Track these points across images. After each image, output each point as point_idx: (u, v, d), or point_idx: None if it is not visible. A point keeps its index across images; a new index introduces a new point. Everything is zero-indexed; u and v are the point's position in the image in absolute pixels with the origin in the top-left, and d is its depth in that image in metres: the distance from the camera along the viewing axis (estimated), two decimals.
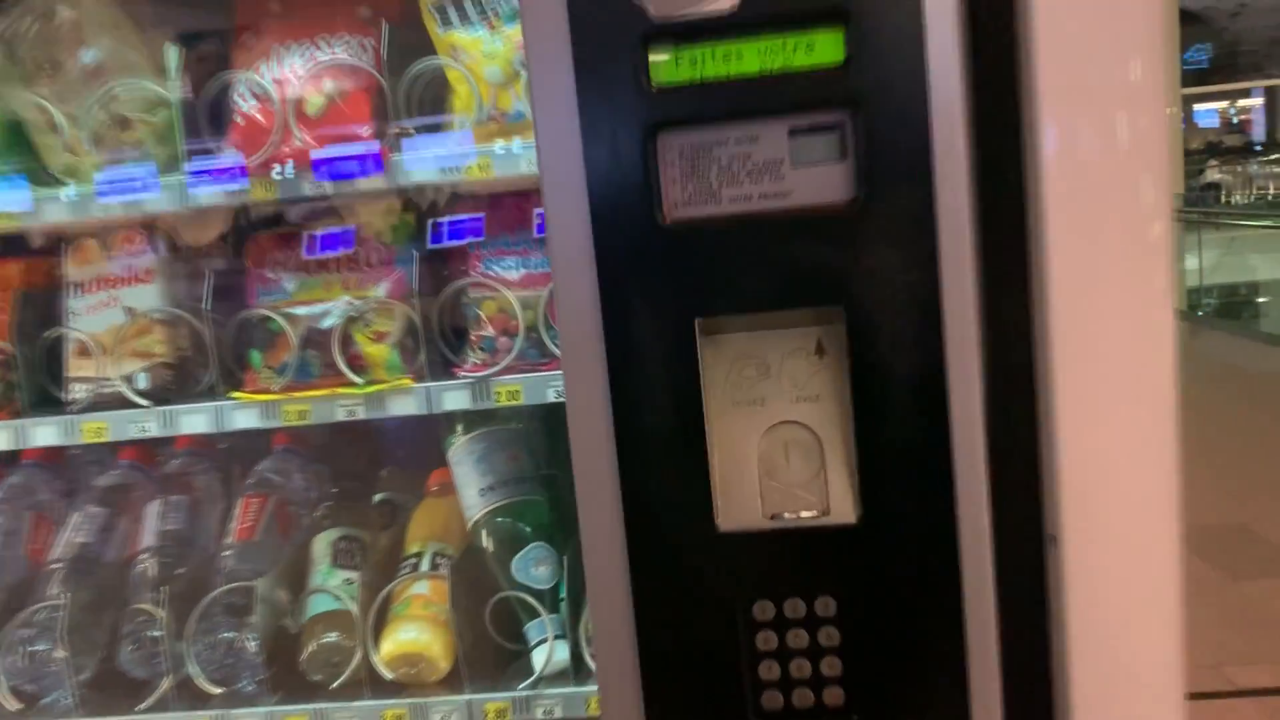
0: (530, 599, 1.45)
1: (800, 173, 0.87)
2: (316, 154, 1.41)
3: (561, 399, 1.40)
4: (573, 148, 0.88)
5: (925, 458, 0.88)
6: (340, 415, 1.45)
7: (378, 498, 1.81)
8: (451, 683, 1.49)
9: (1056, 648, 0.91)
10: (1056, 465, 0.89)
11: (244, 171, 1.43)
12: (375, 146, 1.40)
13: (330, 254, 1.52)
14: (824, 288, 0.88)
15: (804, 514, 0.91)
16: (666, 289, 0.88)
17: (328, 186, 1.40)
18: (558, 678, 1.44)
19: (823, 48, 0.86)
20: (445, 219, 1.48)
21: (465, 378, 1.45)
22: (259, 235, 1.61)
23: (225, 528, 1.69)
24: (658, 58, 0.88)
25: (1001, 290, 0.90)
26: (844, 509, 0.90)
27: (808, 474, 0.92)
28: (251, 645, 1.52)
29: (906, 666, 0.90)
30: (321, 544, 1.63)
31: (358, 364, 1.49)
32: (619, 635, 0.92)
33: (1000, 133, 0.88)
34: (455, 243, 1.48)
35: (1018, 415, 0.90)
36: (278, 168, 1.42)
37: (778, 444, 0.92)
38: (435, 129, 1.44)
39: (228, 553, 1.62)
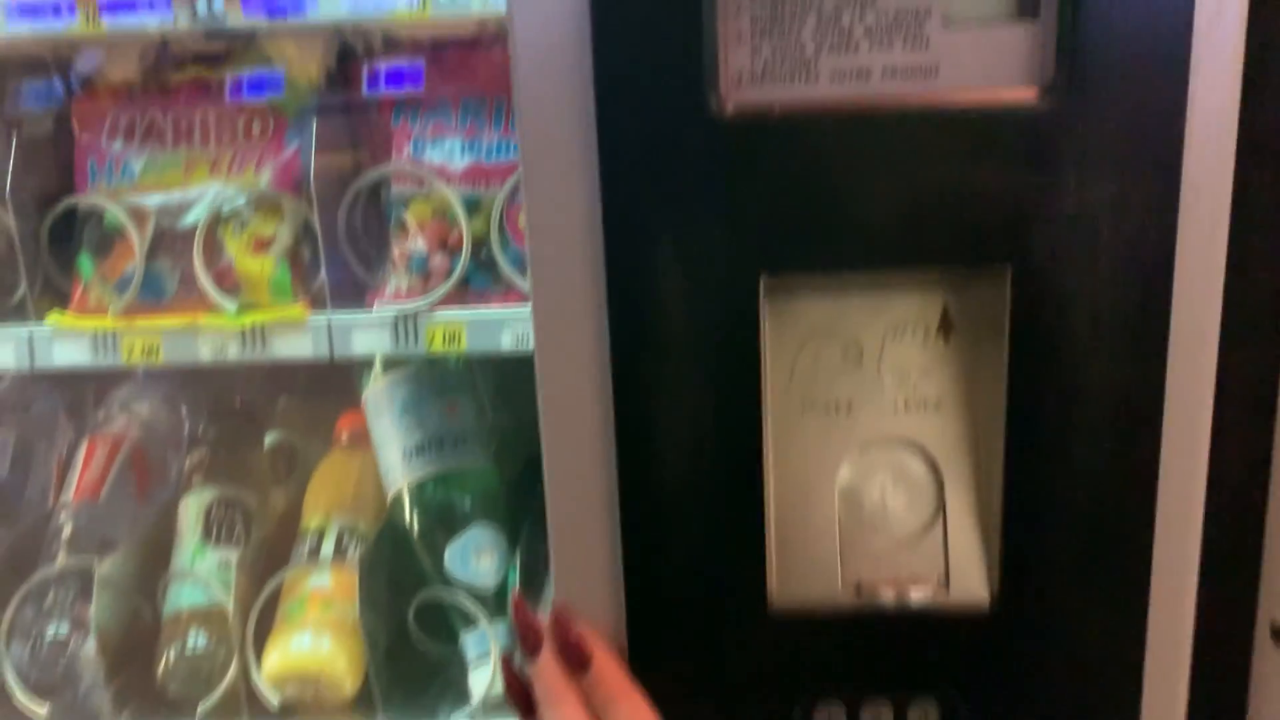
0: (468, 601, 1.11)
1: (957, 37, 0.54)
2: None
3: (521, 349, 1.06)
4: None
5: (1112, 514, 0.57)
6: (204, 355, 1.05)
7: (270, 438, 1.41)
8: (359, 708, 1.15)
9: None
10: None
11: None
12: None
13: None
14: (985, 233, 0.55)
15: (911, 591, 0.59)
16: (716, 223, 0.56)
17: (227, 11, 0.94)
18: (503, 707, 1.10)
19: None
20: (379, 65, 1.05)
21: (384, 309, 1.05)
22: (96, 86, 1.15)
23: (64, 480, 1.30)
24: None
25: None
26: (971, 584, 0.59)
27: (916, 525, 0.61)
28: (88, 648, 1.16)
29: None
30: (191, 509, 1.25)
31: (229, 282, 1.07)
32: None
33: None
34: (390, 90, 1.04)
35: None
36: None
37: (871, 476, 0.61)
38: None
39: (63, 517, 1.24)
